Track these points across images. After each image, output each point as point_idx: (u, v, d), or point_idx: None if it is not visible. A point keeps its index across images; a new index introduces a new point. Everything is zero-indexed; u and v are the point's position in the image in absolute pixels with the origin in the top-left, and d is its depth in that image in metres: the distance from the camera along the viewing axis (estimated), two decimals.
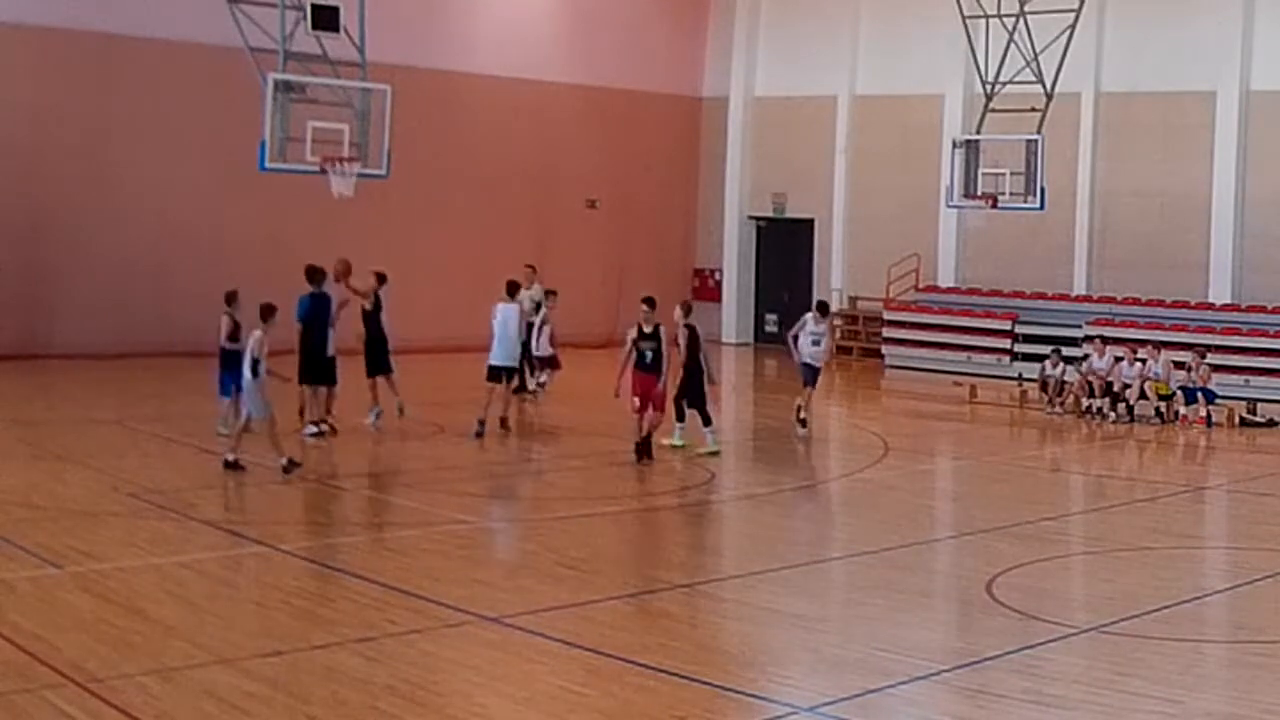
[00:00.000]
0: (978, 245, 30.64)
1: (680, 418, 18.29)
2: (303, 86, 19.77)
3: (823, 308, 21.02)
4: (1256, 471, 18.82)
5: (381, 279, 19.42)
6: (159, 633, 9.71)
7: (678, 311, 18.76)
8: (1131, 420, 22.66)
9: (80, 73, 25.53)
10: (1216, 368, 23.61)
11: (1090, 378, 23.29)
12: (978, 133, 25.87)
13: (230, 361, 17.69)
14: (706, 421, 18.09)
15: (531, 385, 22.00)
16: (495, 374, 19.09)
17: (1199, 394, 22.62)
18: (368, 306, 19.20)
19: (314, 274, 18.39)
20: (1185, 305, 27.51)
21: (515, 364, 19.48)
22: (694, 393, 18.14)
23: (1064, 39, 24.35)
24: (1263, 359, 25.65)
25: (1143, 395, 22.77)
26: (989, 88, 25.49)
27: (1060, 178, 27.27)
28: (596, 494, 15.94)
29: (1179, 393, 22.70)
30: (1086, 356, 23.99)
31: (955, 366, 28.90)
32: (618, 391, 17.53)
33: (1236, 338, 26.14)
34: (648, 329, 17.41)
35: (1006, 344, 29.00)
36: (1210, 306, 27.30)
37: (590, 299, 30.73)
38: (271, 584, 11.42)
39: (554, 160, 32.06)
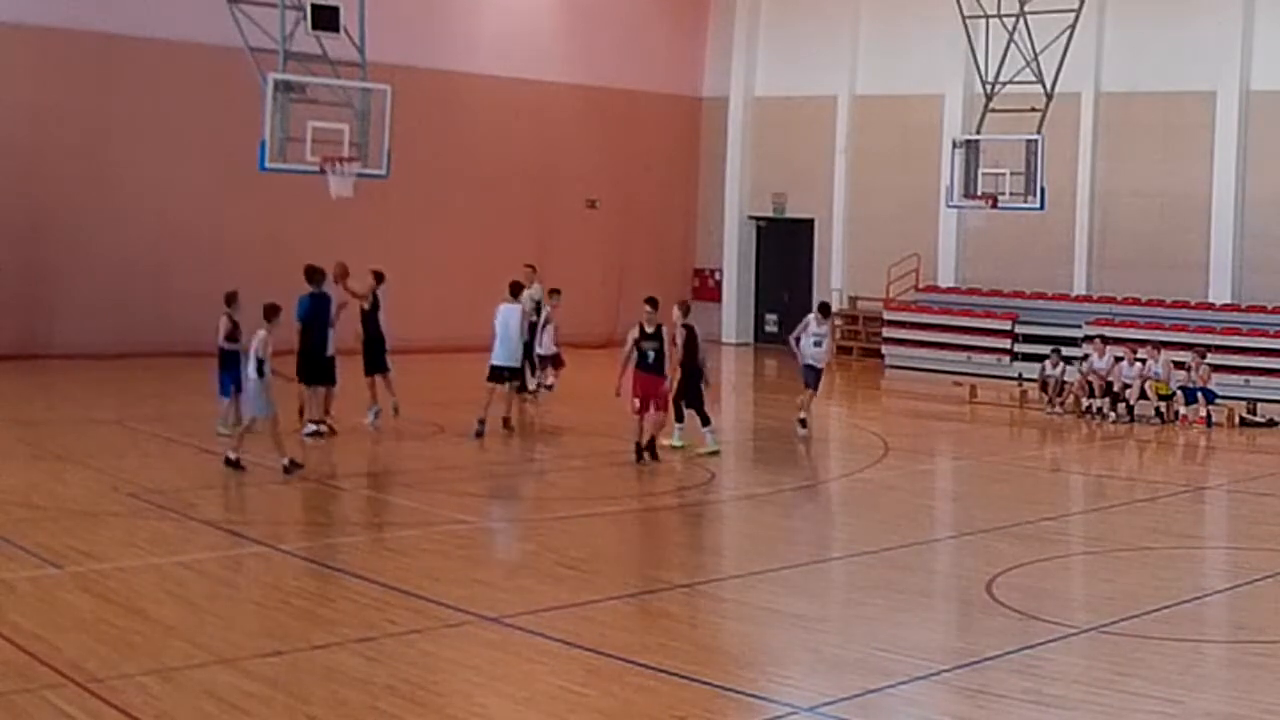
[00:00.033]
0: (978, 245, 30.64)
1: (679, 418, 18.29)
2: (303, 86, 19.77)
3: (824, 309, 21.00)
4: (1256, 471, 18.82)
5: (379, 278, 19.43)
6: (159, 633, 9.71)
7: (676, 311, 18.76)
8: (1131, 420, 22.66)
9: (80, 73, 25.53)
10: (1216, 368, 23.62)
11: (1090, 378, 23.30)
12: (978, 133, 25.87)
13: (229, 362, 17.71)
14: (705, 421, 18.09)
15: (532, 385, 21.99)
16: (497, 374, 19.08)
17: (1199, 394, 22.62)
18: (366, 307, 19.23)
19: (313, 274, 18.40)
20: (1185, 305, 27.51)
21: (517, 364, 19.46)
22: (692, 393, 18.14)
23: (1064, 39, 24.34)
24: (1263, 359, 25.65)
25: (1143, 395, 22.77)
26: (989, 88, 25.49)
27: (1060, 178, 27.26)
28: (596, 494, 15.94)
29: (1179, 393, 22.71)
30: (1086, 356, 23.99)
31: (955, 366, 28.90)
32: (618, 391, 17.53)
33: (1236, 338, 26.14)
34: (650, 329, 17.41)
35: (1006, 344, 29.00)
36: (1210, 306, 27.30)
37: (590, 299, 30.70)
38: (271, 584, 11.42)
39: (554, 160, 32.06)
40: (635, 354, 17.43)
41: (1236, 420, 22.51)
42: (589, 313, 30.30)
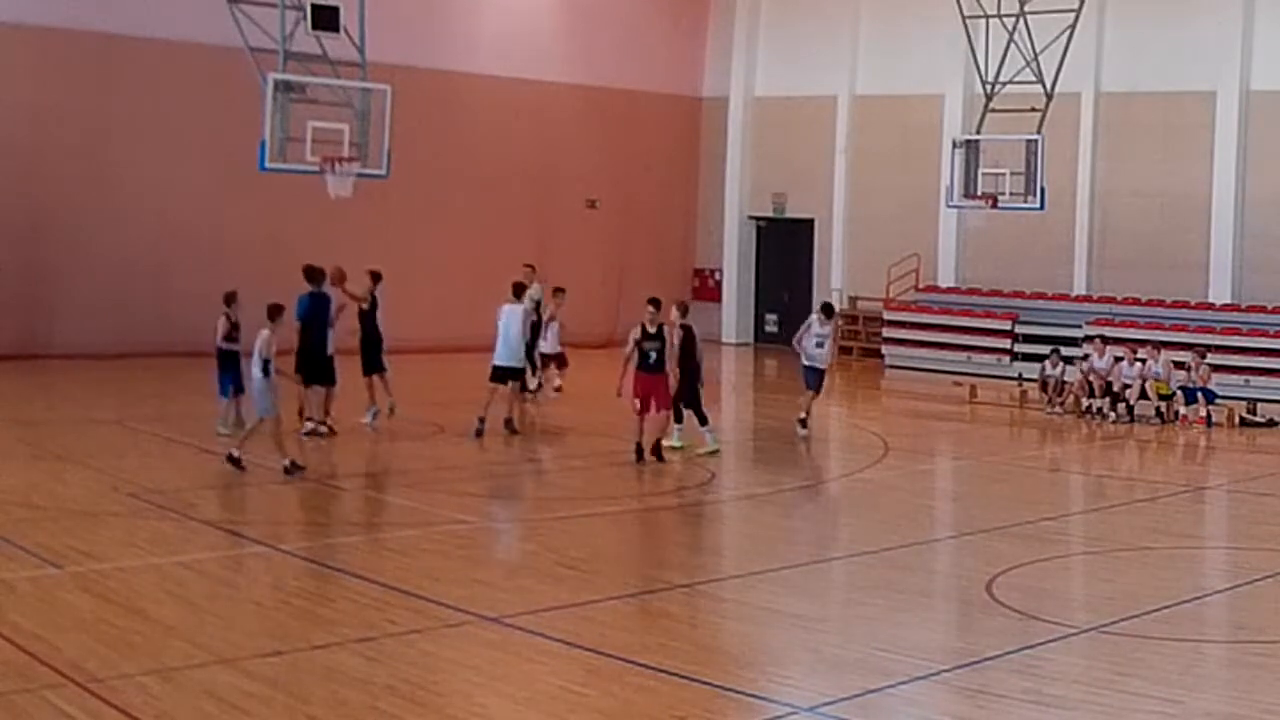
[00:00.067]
0: (978, 245, 30.64)
1: (679, 418, 18.28)
2: (303, 86, 19.77)
3: (827, 309, 20.95)
4: (1256, 471, 18.82)
5: (376, 278, 19.45)
6: (159, 633, 9.71)
7: (674, 312, 18.74)
8: (1131, 420, 22.66)
9: (80, 73, 25.53)
10: (1216, 368, 23.62)
11: (1090, 378, 23.30)
12: (978, 133, 25.86)
13: (227, 362, 17.73)
14: (703, 421, 18.08)
15: (533, 385, 22.00)
16: (499, 375, 19.06)
17: (1199, 394, 22.63)
18: (365, 307, 19.26)
19: (312, 274, 18.40)
20: (1185, 305, 27.51)
21: (519, 364, 19.44)
22: (689, 393, 18.13)
23: (1064, 39, 24.34)
24: (1263, 359, 25.65)
25: (1143, 395, 22.77)
26: (989, 88, 25.48)
27: (1060, 178, 27.26)
28: (596, 494, 15.94)
29: (1179, 393, 22.71)
30: (1086, 356, 23.99)
31: (955, 366, 28.91)
32: (620, 390, 17.52)
33: (1236, 338, 26.14)
34: (652, 329, 17.40)
35: (1006, 344, 29.00)
36: (1210, 306, 27.30)
37: (590, 299, 30.70)
38: (271, 584, 11.42)
39: (554, 160, 32.06)
40: (637, 354, 17.42)
41: (1236, 420, 22.51)
42: (589, 313, 30.29)
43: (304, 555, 12.34)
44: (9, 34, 24.73)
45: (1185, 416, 22.49)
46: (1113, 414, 22.79)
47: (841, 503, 16.70)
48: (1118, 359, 23.24)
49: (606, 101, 32.76)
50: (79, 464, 16.04)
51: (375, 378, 19.29)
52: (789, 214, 34.12)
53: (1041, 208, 25.30)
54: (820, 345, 20.23)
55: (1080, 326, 27.36)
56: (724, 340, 34.13)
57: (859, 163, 32.55)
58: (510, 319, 19.10)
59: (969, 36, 26.33)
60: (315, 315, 18.23)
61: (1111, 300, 28.52)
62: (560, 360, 22.32)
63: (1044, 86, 24.74)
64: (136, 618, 10.05)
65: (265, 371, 15.55)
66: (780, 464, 19.03)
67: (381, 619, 10.22)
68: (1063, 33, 24.35)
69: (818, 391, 20.35)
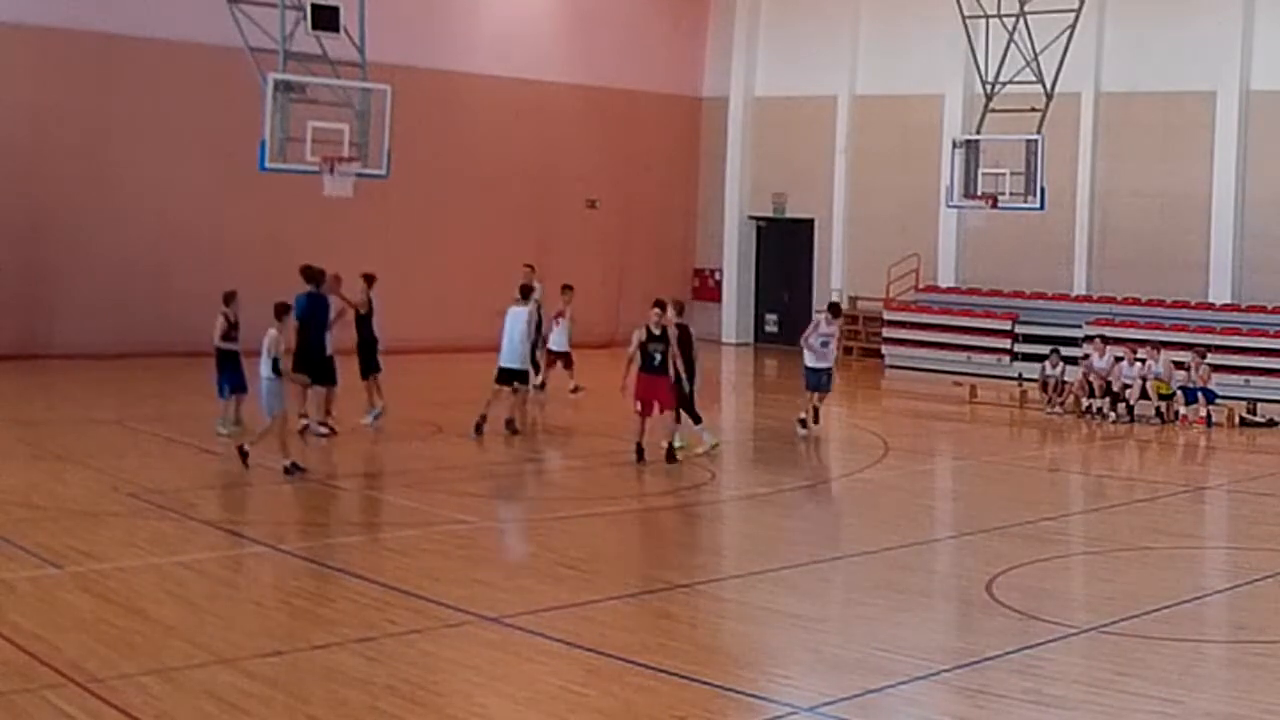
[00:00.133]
0: (978, 245, 30.63)
1: (677, 419, 18.25)
2: (303, 86, 19.77)
3: (835, 309, 20.93)
4: (1256, 471, 18.81)
5: (370, 281, 19.45)
6: (159, 633, 9.71)
7: (670, 311, 18.74)
8: (1131, 420, 22.66)
9: (80, 73, 25.53)
10: (1216, 368, 23.62)
11: (1090, 378, 23.30)
12: (978, 133, 25.86)
13: (225, 361, 17.72)
14: (696, 420, 18.06)
15: (536, 381, 21.94)
16: (504, 376, 19.00)
17: (1199, 394, 22.63)
18: (363, 311, 19.26)
19: (310, 274, 18.40)
20: (1185, 305, 27.51)
21: (523, 366, 19.39)
22: (683, 392, 18.08)
23: (1064, 39, 24.33)
24: (1263, 359, 25.65)
25: (1143, 395, 22.77)
26: (989, 88, 25.48)
27: (1060, 178, 27.26)
28: (596, 494, 15.95)
29: (1179, 393, 22.71)
30: (1086, 356, 23.99)
31: (955, 366, 28.90)
32: (623, 387, 17.50)
33: (1236, 338, 26.14)
34: (656, 331, 17.38)
35: (1006, 344, 29.00)
36: (1210, 306, 27.29)
37: (590, 299, 30.58)
38: (271, 584, 11.43)
39: (554, 160, 32.06)
40: (640, 356, 17.39)
41: (1236, 420, 22.51)
42: (589, 313, 30.09)
43: (304, 555, 12.34)
44: (9, 34, 24.73)
45: (1185, 416, 22.49)
46: (1113, 414, 22.79)
47: (841, 503, 16.70)
48: (1118, 359, 23.24)
49: (606, 101, 32.76)
50: (79, 464, 16.04)
51: (373, 379, 19.28)
52: (789, 214, 34.12)
53: (1041, 208, 25.30)
54: (826, 344, 20.23)
55: (1080, 326, 27.36)
56: (724, 340, 34.13)
57: (859, 163, 32.54)
58: (515, 320, 19.08)
59: (969, 36, 26.32)
60: (313, 315, 18.22)
61: (1111, 300, 28.52)
62: (567, 359, 22.24)
63: (1044, 86, 24.74)
64: (136, 618, 10.05)
65: (276, 370, 15.55)
66: (780, 464, 19.03)
67: (381, 619, 10.22)
68: (1063, 33, 24.35)
69: (827, 390, 20.34)
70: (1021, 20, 24.76)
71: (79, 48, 25.36)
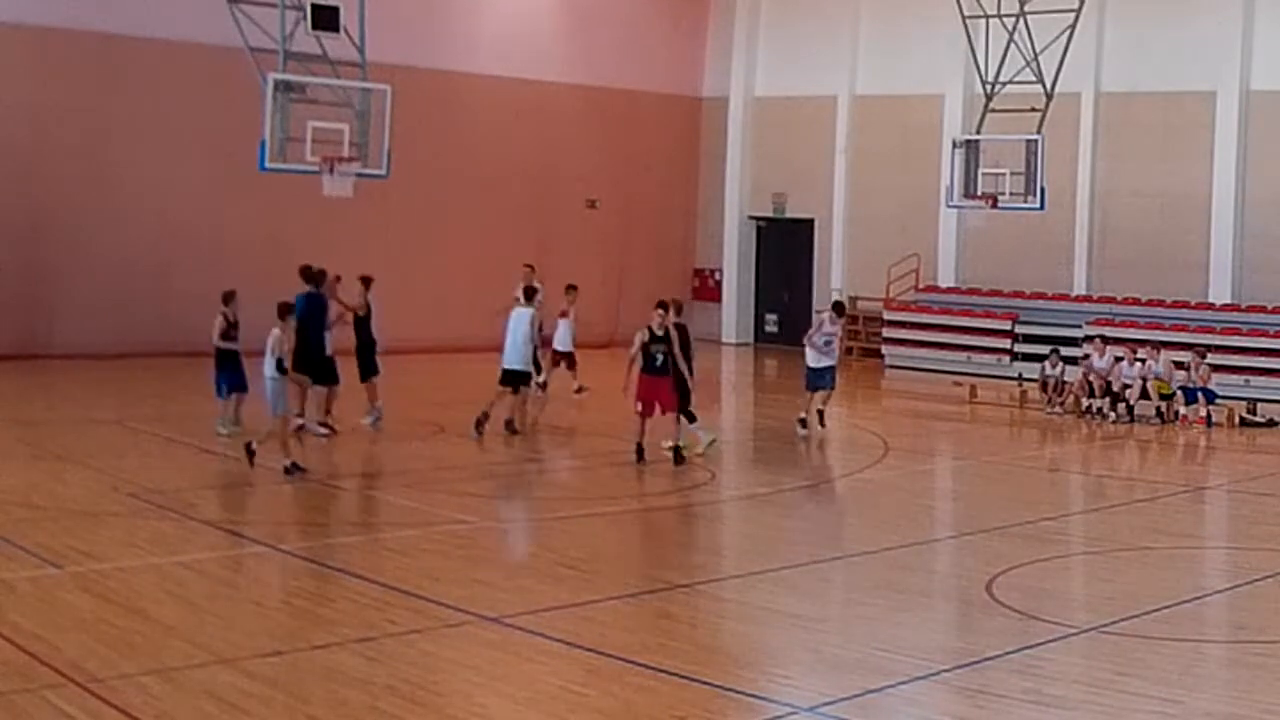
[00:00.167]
0: (978, 245, 30.63)
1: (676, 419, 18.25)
2: (303, 86, 19.77)
3: (839, 308, 20.94)
4: (1256, 471, 18.81)
5: (368, 283, 19.45)
6: (159, 633, 9.71)
7: (670, 311, 18.71)
8: (1131, 420, 22.66)
9: (80, 73, 25.53)
10: (1216, 368, 23.61)
11: (1090, 378, 23.30)
12: (978, 133, 25.86)
13: (224, 361, 17.72)
14: (691, 419, 18.03)
15: (540, 379, 21.91)
16: (508, 378, 18.97)
17: (1199, 394, 22.63)
18: (361, 314, 19.26)
19: (310, 274, 18.40)
20: (1185, 305, 27.51)
21: (526, 367, 19.38)
22: (680, 391, 18.06)
23: (1064, 39, 24.33)
24: (1263, 359, 25.65)
25: (1143, 395, 22.77)
26: (989, 88, 25.48)
27: (1060, 178, 27.26)
28: (596, 494, 15.95)
29: (1179, 393, 22.71)
30: (1086, 356, 23.99)
31: (955, 366, 28.90)
32: (625, 388, 17.49)
33: (1236, 338, 26.14)
34: (659, 332, 17.35)
35: (1006, 344, 29.00)
36: (1210, 306, 27.29)
37: (590, 299, 30.54)
38: (271, 584, 11.43)
39: (554, 160, 32.06)
40: (642, 356, 17.38)
41: (1236, 420, 22.51)
42: (589, 313, 30.04)
43: (304, 555, 12.34)
44: (9, 34, 24.73)
45: (1185, 416, 22.49)
46: (1113, 414, 22.79)
47: (842, 503, 16.70)
48: (1118, 359, 23.24)
49: (606, 101, 32.76)
50: (79, 464, 16.04)
51: (371, 382, 19.27)
52: (789, 214, 34.12)
53: (1041, 208, 25.30)
54: (829, 343, 20.23)
55: (1080, 326, 27.36)
56: (724, 340, 34.14)
57: (859, 163, 32.54)
58: (518, 321, 19.08)
59: (969, 36, 26.32)
60: (312, 315, 18.21)
61: (1111, 300, 28.52)
62: (570, 360, 22.21)
63: (1044, 86, 24.74)
64: (136, 618, 10.05)
65: (280, 370, 15.55)
66: (780, 464, 19.03)
67: (381, 619, 10.22)
68: (1063, 33, 24.35)
69: (830, 388, 20.34)
70: (1021, 20, 24.76)
71: (79, 48, 25.35)
